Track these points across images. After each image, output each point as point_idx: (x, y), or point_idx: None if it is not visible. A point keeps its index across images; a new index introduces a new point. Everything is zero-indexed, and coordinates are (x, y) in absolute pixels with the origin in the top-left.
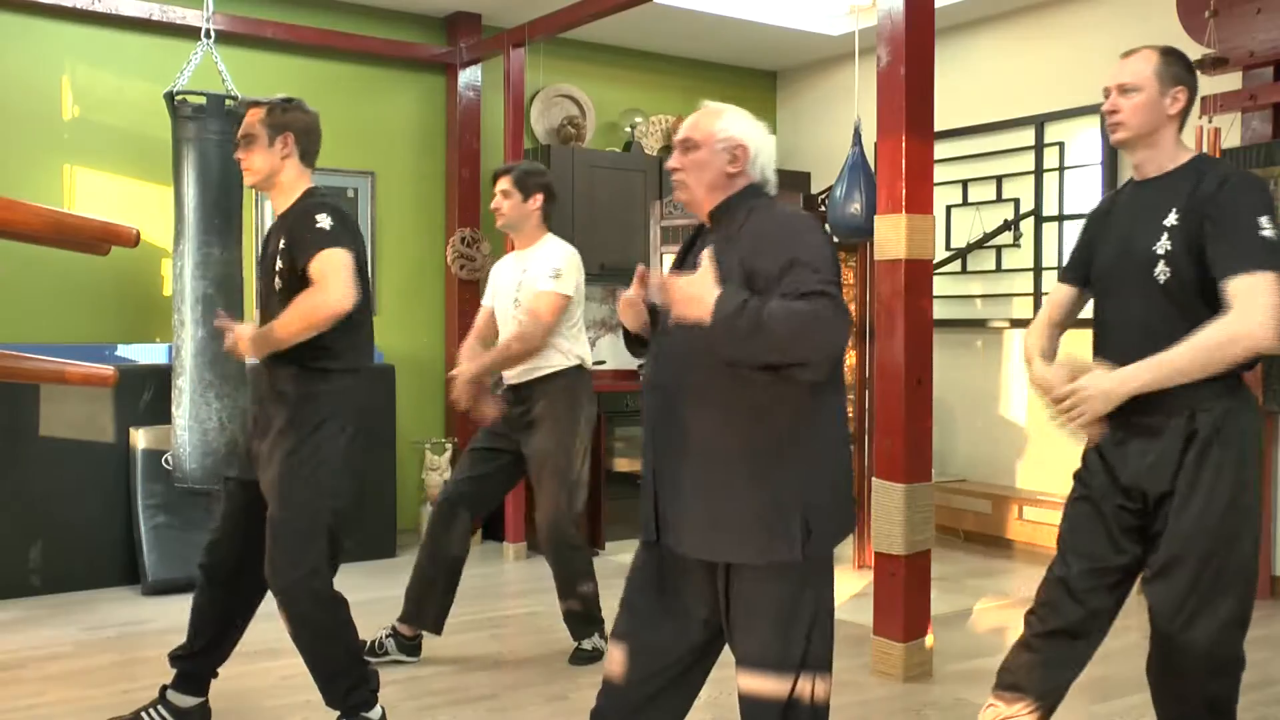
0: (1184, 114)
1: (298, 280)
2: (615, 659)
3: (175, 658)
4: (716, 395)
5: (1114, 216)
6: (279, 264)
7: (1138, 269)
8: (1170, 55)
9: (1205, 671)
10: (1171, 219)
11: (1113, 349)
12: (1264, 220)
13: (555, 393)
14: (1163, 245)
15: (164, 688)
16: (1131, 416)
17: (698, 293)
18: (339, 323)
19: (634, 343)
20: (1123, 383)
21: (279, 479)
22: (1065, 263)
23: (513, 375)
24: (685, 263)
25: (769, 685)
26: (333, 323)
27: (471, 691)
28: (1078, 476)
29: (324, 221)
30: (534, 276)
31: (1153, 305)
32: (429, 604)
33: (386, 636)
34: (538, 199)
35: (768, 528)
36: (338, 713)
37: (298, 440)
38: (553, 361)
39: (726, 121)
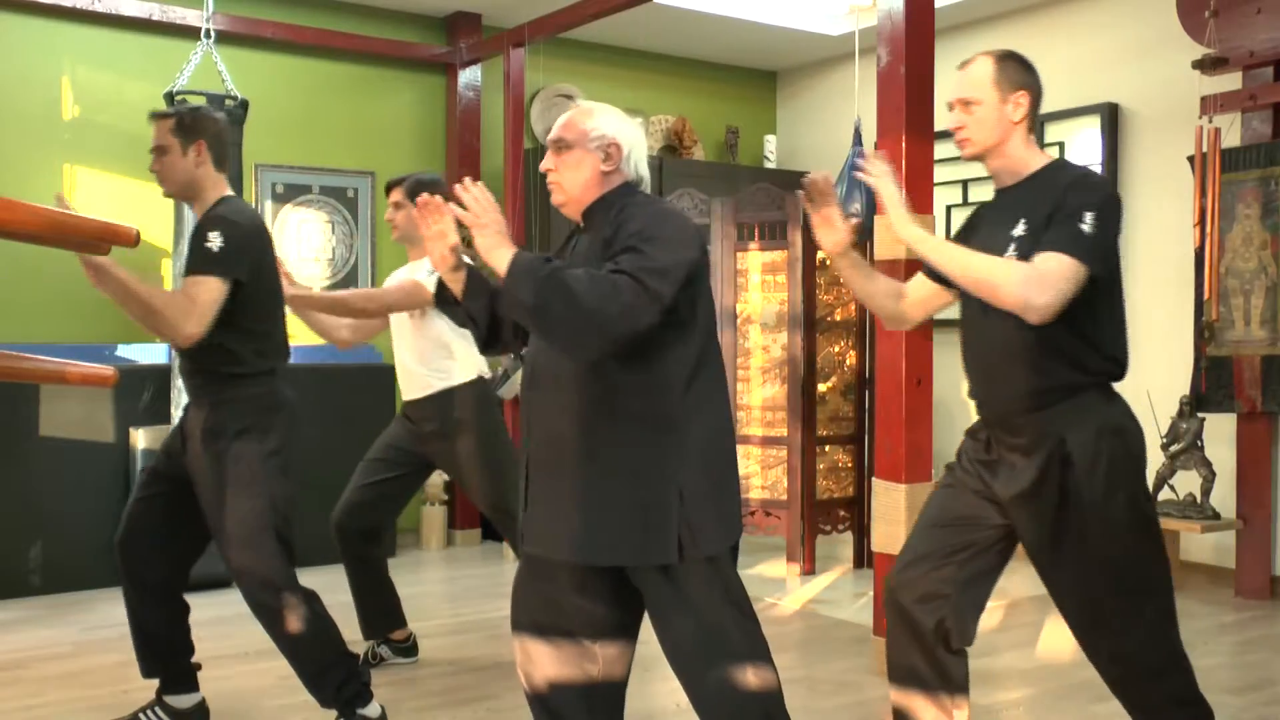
0: (1031, 117)
1: None
2: (530, 655)
3: (148, 672)
4: (585, 394)
5: (978, 230)
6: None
7: None
8: (1007, 60)
9: (1155, 678)
10: (1019, 229)
11: (974, 364)
12: (1089, 215)
13: (467, 404)
14: (1010, 257)
15: (159, 691)
16: (1002, 436)
17: (502, 232)
18: (241, 330)
19: (442, 299)
20: (904, 223)
21: (213, 490)
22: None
23: (412, 392)
24: None
25: (696, 680)
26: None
27: (471, 691)
28: (948, 468)
29: (214, 241)
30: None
31: (1007, 316)
32: (381, 613)
33: (379, 645)
34: None
35: (642, 529)
36: (335, 713)
37: (220, 449)
38: (454, 376)
39: (598, 120)
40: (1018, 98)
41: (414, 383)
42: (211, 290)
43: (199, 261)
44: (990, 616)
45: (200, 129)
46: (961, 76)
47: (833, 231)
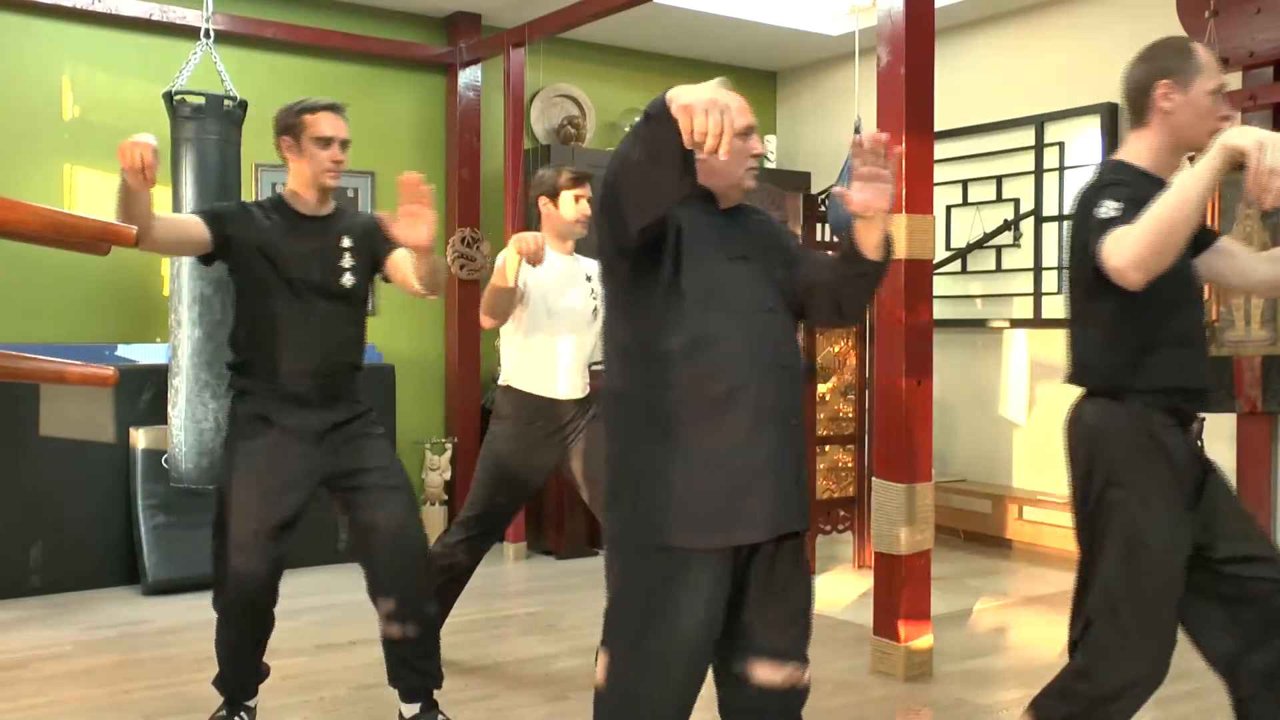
0: None
1: None
2: None
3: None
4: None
5: None
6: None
7: None
8: None
9: None
10: None
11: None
12: None
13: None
14: None
15: (239, 700)
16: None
17: None
18: None
19: None
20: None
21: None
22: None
23: (575, 391)
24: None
25: None
26: None
27: (471, 691)
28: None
29: None
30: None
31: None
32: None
33: None
34: None
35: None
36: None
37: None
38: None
39: None
40: None
41: (578, 380)
42: None
43: None
44: (992, 616)
45: None
46: None
47: None
